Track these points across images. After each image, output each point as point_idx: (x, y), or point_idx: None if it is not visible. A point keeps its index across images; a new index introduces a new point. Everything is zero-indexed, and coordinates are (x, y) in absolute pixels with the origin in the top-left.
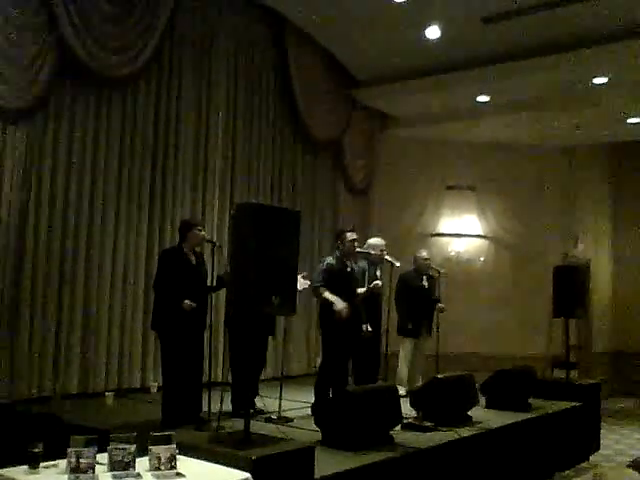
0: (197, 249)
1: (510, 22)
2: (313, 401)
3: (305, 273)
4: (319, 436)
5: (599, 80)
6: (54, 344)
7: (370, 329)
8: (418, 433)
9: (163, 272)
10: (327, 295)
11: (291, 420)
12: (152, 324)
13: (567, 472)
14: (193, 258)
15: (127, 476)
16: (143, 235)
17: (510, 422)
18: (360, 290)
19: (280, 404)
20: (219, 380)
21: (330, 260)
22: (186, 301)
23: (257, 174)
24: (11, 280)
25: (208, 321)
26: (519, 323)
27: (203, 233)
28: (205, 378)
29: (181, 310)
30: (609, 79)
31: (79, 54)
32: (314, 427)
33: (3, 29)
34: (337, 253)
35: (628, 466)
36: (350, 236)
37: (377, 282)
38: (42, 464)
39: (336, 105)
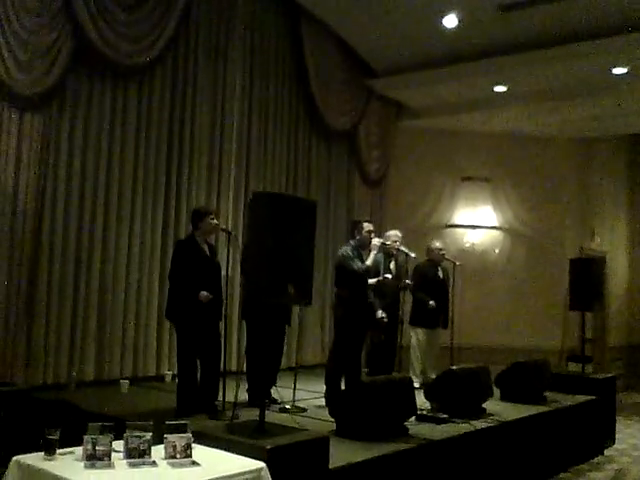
0: (209, 239)
1: (528, 11)
2: (325, 389)
3: None
4: (333, 426)
5: (618, 70)
6: (70, 331)
7: (384, 316)
8: (432, 425)
9: (177, 263)
10: (369, 259)
11: (305, 410)
12: (166, 313)
13: (582, 466)
14: (206, 247)
15: (143, 464)
16: (159, 223)
17: (525, 415)
18: (371, 281)
19: (294, 394)
20: (233, 369)
21: (349, 249)
22: (202, 292)
23: (272, 163)
24: (28, 267)
25: (223, 311)
26: (534, 315)
27: (215, 221)
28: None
29: (196, 300)
30: (629, 69)
31: (95, 42)
32: (328, 417)
33: (20, 16)
34: (352, 243)
35: None
36: (367, 227)
37: (387, 275)
38: (58, 451)
39: (352, 95)
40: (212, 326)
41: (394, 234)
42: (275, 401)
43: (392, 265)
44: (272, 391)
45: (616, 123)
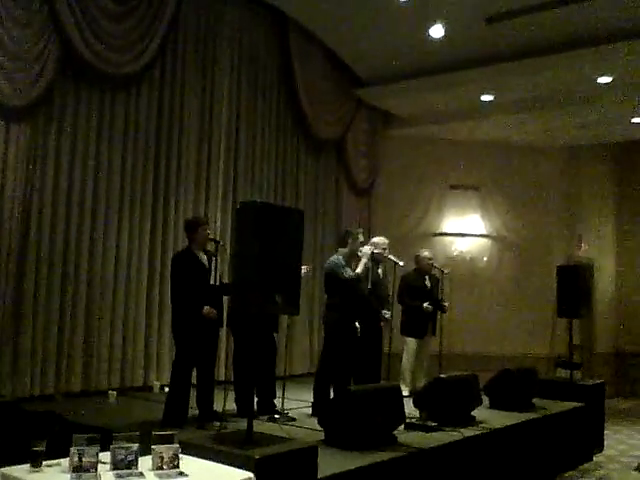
0: (207, 248)
1: (514, 21)
2: (312, 397)
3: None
4: (322, 435)
5: (603, 79)
6: (57, 342)
7: (358, 326)
8: (421, 433)
9: (177, 278)
10: (360, 267)
11: (294, 419)
12: (172, 328)
13: (571, 473)
14: (204, 257)
15: (130, 475)
16: (146, 233)
17: (514, 422)
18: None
19: (283, 403)
20: (221, 379)
21: (341, 257)
22: (206, 307)
23: (260, 173)
24: (14, 278)
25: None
26: (522, 323)
27: (208, 232)
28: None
29: (199, 315)
30: (613, 78)
31: (82, 52)
32: (317, 426)
33: (7, 26)
34: (342, 252)
35: (635, 469)
36: (360, 237)
37: (386, 314)
38: (44, 463)
39: (340, 104)
40: (213, 335)
41: (382, 241)
42: (281, 412)
43: (380, 271)
44: (275, 402)
45: (602, 131)
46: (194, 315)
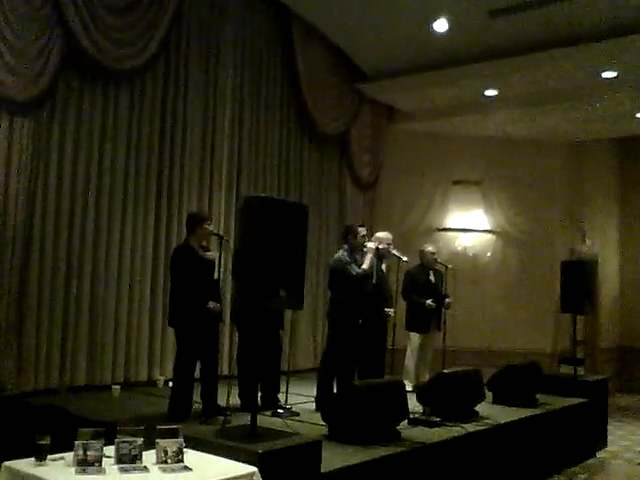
0: (203, 242)
1: (518, 15)
2: (316, 391)
3: None
4: (325, 430)
5: (608, 74)
6: (61, 336)
7: (360, 321)
8: (425, 428)
9: (177, 270)
10: (366, 262)
11: (297, 414)
12: (170, 321)
13: (574, 468)
14: (201, 251)
15: (134, 469)
16: (150, 228)
17: (517, 418)
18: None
19: (287, 397)
20: (225, 373)
21: (346, 254)
22: (210, 303)
23: (263, 168)
24: (18, 272)
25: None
26: (526, 318)
27: (211, 228)
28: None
29: (200, 307)
30: (618, 73)
31: (86, 46)
32: (320, 421)
33: (10, 21)
34: (347, 247)
35: (639, 464)
36: (362, 231)
37: (390, 311)
38: (49, 456)
39: (343, 99)
40: (213, 329)
41: (386, 237)
42: (285, 407)
43: (384, 267)
44: (279, 397)
45: (606, 126)
46: (194, 309)
